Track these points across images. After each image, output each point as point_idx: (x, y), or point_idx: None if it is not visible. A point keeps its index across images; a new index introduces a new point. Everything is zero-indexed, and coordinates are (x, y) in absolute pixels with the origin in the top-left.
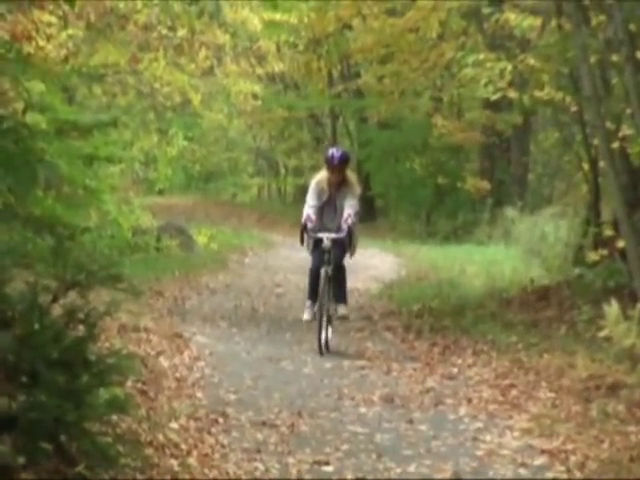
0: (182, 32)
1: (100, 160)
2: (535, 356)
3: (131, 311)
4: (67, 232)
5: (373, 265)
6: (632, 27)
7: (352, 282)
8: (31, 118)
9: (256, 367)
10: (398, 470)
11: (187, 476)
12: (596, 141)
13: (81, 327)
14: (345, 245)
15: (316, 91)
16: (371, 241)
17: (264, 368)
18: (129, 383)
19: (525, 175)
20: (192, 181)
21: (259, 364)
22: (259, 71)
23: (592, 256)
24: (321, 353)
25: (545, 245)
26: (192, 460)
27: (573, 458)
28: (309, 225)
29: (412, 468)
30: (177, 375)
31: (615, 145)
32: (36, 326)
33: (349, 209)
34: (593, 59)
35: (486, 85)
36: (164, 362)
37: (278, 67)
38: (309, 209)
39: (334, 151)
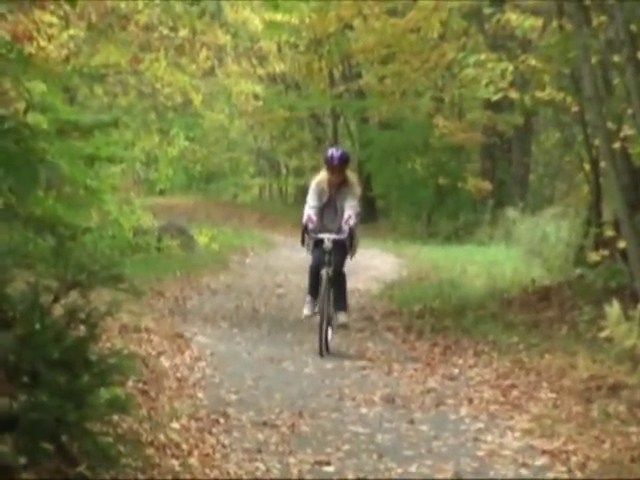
0: (183, 32)
1: (101, 160)
2: (536, 357)
3: (132, 311)
4: (68, 232)
5: (374, 265)
6: (633, 27)
7: (353, 282)
8: (32, 118)
9: (257, 367)
10: (399, 470)
11: (188, 476)
12: (597, 141)
13: (82, 327)
14: (346, 247)
15: (317, 91)
16: (372, 241)
17: (265, 368)
18: (130, 383)
19: (526, 175)
20: (193, 181)
21: (260, 364)
22: (260, 71)
23: (593, 257)
24: (321, 355)
25: (546, 245)
26: (193, 460)
27: (574, 458)
28: (310, 226)
29: (413, 468)
30: (178, 375)
31: (616, 145)
32: (37, 326)
33: (350, 210)
34: (594, 59)
35: (487, 85)
36: (165, 362)
37: (279, 67)
38: (310, 210)
39: (333, 151)
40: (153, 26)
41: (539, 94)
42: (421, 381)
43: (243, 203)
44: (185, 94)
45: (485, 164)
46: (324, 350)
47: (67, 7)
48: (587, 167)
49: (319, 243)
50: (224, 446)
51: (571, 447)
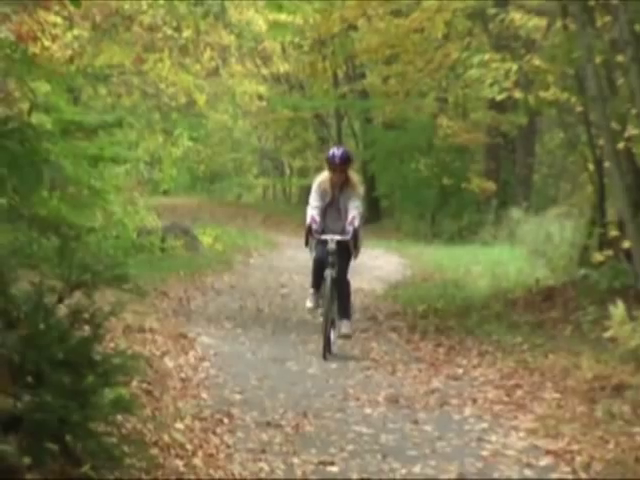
0: (187, 33)
1: (105, 161)
2: (540, 357)
3: (136, 311)
4: (72, 232)
5: (378, 266)
6: (637, 28)
7: (357, 283)
8: (36, 118)
9: (261, 367)
10: (403, 471)
11: (192, 476)
12: (601, 142)
13: (86, 327)
14: (350, 250)
15: (321, 92)
16: (376, 241)
17: (269, 368)
18: (134, 383)
19: (530, 176)
20: (197, 182)
21: (264, 364)
22: (264, 72)
23: (597, 257)
24: (325, 358)
25: (550, 246)
26: (197, 460)
27: (578, 459)
28: (314, 227)
29: (417, 469)
30: (182, 375)
31: (620, 146)
32: (41, 326)
33: (354, 211)
34: (598, 60)
35: (491, 86)
36: (169, 362)
37: (283, 68)
38: (312, 210)
39: (335, 150)
40: (157, 26)
41: (543, 94)
42: (425, 381)
43: (247, 203)
44: (189, 94)
45: (489, 164)
46: (327, 353)
47: (71, 7)
48: (591, 167)
49: (323, 244)
50: (228, 446)
51: (575, 447)
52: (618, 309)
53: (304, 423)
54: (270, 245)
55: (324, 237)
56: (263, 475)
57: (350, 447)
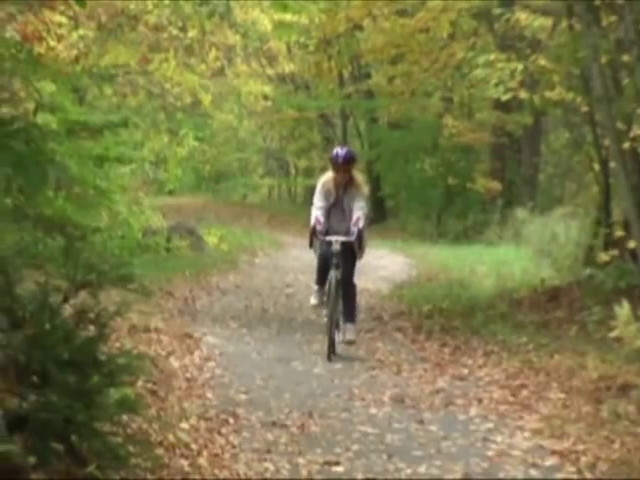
0: (192, 33)
1: (110, 160)
2: (545, 357)
3: (141, 311)
4: (78, 232)
5: (383, 265)
6: None
7: (362, 283)
8: (42, 118)
9: (266, 367)
10: (408, 471)
11: (197, 476)
12: (607, 141)
13: (92, 327)
14: (355, 252)
15: (326, 91)
16: (381, 241)
17: (274, 368)
18: (139, 383)
19: (535, 175)
20: (202, 181)
21: (269, 364)
22: (269, 71)
23: (603, 257)
24: (329, 359)
25: (555, 246)
26: (202, 460)
27: (584, 459)
28: (318, 228)
29: (422, 469)
30: (187, 375)
31: (626, 145)
32: (47, 326)
33: (358, 211)
34: (604, 59)
35: (497, 85)
36: (174, 362)
37: (288, 67)
38: (317, 211)
39: (339, 150)
40: (162, 26)
41: (548, 94)
42: (430, 381)
43: (252, 203)
44: (194, 94)
45: (494, 164)
46: (332, 354)
47: (76, 7)
48: (596, 167)
49: (327, 244)
50: (233, 446)
51: (581, 447)
52: (623, 309)
53: (309, 423)
54: (275, 245)
55: (329, 238)
56: (268, 475)
57: (355, 447)
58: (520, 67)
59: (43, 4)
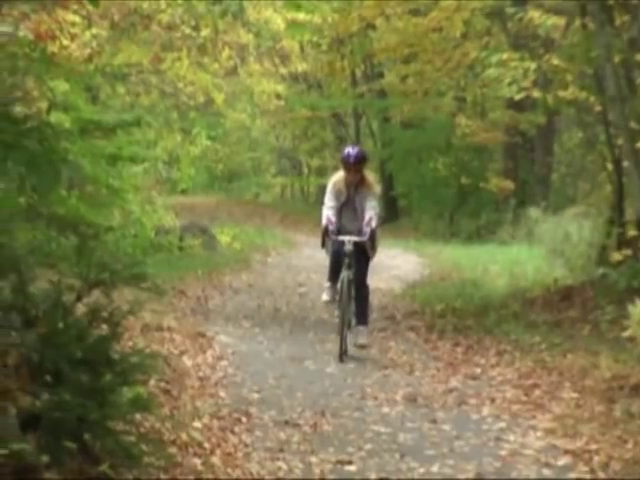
0: (205, 32)
1: (123, 160)
2: (558, 356)
3: (154, 310)
4: (91, 231)
5: (396, 265)
6: None
7: (375, 282)
8: (55, 117)
9: (279, 366)
10: (421, 470)
11: (210, 475)
12: (620, 141)
13: (105, 326)
14: (367, 252)
15: (339, 91)
16: (394, 241)
17: (287, 367)
18: (152, 382)
19: (549, 175)
20: (215, 181)
21: (282, 363)
22: (282, 71)
23: (616, 256)
24: (341, 360)
25: (568, 245)
26: (215, 459)
27: (597, 458)
28: (330, 228)
29: (435, 468)
30: (200, 374)
31: (639, 145)
32: (60, 325)
33: (370, 211)
34: (617, 59)
35: (510, 85)
36: (187, 361)
37: (301, 67)
38: (328, 211)
39: (350, 149)
40: (175, 25)
41: (562, 93)
42: (443, 380)
43: (265, 202)
44: (207, 93)
45: (507, 163)
46: (343, 355)
47: (90, 6)
48: (610, 166)
49: (340, 244)
50: (246, 445)
51: (594, 447)
52: (637, 308)
53: (322, 422)
54: (288, 244)
55: (341, 238)
56: (281, 474)
57: (368, 446)
58: (533, 66)
59: (56, 3)
